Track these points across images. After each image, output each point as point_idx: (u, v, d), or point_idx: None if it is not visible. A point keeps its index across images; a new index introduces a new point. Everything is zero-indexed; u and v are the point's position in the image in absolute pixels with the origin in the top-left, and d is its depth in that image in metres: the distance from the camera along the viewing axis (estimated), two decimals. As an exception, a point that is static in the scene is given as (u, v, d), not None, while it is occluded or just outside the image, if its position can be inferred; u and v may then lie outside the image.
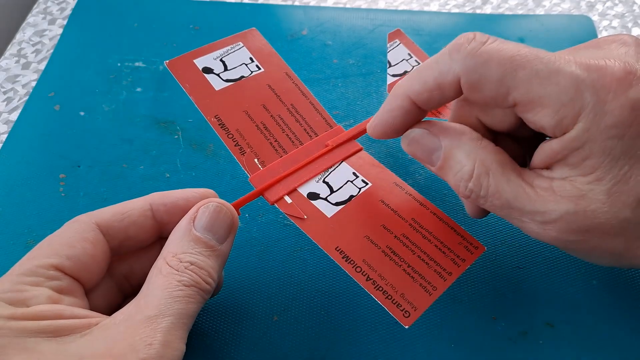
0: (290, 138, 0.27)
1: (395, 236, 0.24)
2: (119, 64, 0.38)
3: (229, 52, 0.29)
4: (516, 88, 0.20)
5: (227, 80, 0.28)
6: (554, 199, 0.21)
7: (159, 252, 0.24)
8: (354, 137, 0.28)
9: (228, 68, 0.29)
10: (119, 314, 0.20)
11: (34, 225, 0.30)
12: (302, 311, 0.27)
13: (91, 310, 0.21)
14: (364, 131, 0.28)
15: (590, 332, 0.26)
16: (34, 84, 0.38)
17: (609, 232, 0.20)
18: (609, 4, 0.45)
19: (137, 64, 0.38)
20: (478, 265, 0.28)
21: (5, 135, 0.35)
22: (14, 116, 0.36)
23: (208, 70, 0.28)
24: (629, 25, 0.44)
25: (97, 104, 0.36)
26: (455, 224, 0.25)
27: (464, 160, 0.23)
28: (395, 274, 0.23)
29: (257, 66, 0.29)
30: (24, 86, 0.38)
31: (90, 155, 0.33)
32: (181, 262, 0.21)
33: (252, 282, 0.28)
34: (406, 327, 0.21)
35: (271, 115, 0.28)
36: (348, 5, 0.44)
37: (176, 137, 0.34)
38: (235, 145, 0.26)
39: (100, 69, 0.38)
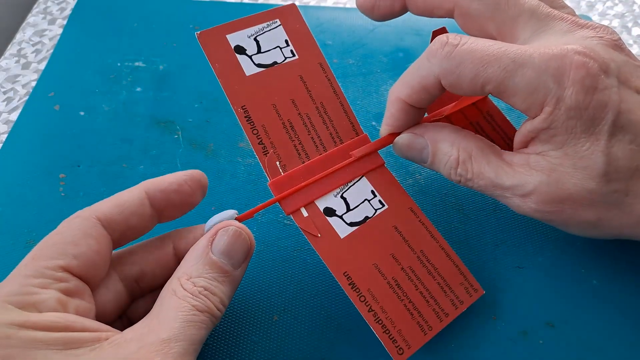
0: (315, 142, 0.27)
1: (402, 268, 0.25)
2: (118, 64, 0.38)
3: (265, 30, 0.28)
4: (489, 82, 0.23)
5: (259, 65, 0.27)
6: (529, 173, 0.23)
7: (168, 252, 0.24)
8: (379, 147, 0.27)
9: (262, 50, 0.27)
10: (129, 332, 0.20)
11: (34, 225, 0.30)
12: (302, 311, 0.27)
13: (99, 312, 0.21)
14: (387, 142, 0.28)
15: (590, 332, 0.26)
16: (34, 84, 0.38)
17: (580, 202, 0.23)
18: (609, 3, 0.45)
19: (137, 63, 0.38)
20: (478, 265, 0.28)
21: (5, 135, 0.35)
22: (14, 116, 0.36)
23: (240, 49, 0.27)
24: (629, 25, 0.44)
25: (96, 103, 0.36)
26: (460, 262, 0.26)
27: (450, 151, 0.25)
28: (396, 309, 0.24)
29: (291, 51, 0.28)
30: (24, 86, 0.38)
31: (90, 155, 0.33)
32: (195, 286, 0.21)
33: (252, 282, 0.28)
34: None
35: (299, 113, 0.27)
36: (348, 5, 0.44)
37: (176, 136, 0.34)
38: (259, 143, 0.26)
39: (100, 68, 0.38)
